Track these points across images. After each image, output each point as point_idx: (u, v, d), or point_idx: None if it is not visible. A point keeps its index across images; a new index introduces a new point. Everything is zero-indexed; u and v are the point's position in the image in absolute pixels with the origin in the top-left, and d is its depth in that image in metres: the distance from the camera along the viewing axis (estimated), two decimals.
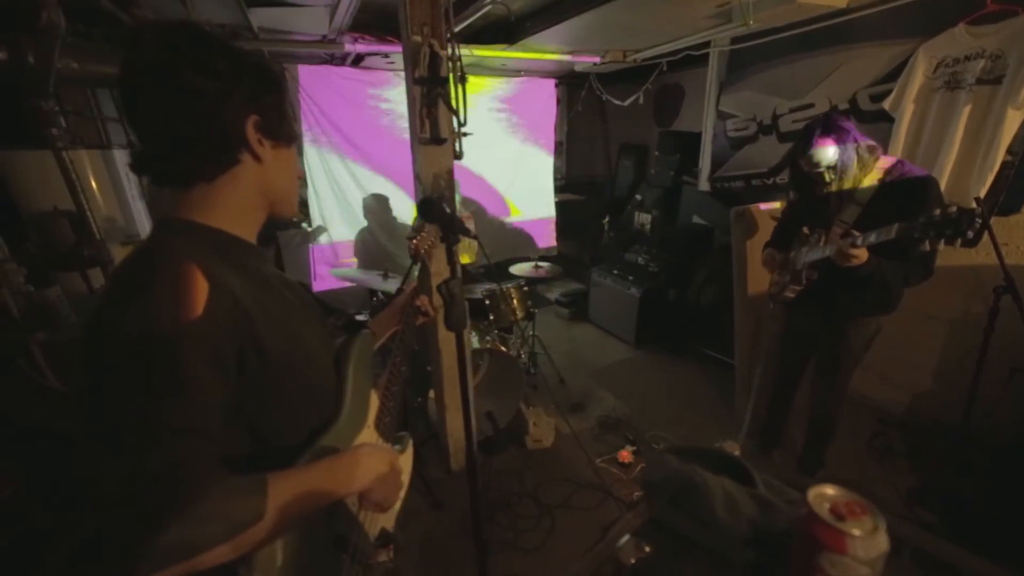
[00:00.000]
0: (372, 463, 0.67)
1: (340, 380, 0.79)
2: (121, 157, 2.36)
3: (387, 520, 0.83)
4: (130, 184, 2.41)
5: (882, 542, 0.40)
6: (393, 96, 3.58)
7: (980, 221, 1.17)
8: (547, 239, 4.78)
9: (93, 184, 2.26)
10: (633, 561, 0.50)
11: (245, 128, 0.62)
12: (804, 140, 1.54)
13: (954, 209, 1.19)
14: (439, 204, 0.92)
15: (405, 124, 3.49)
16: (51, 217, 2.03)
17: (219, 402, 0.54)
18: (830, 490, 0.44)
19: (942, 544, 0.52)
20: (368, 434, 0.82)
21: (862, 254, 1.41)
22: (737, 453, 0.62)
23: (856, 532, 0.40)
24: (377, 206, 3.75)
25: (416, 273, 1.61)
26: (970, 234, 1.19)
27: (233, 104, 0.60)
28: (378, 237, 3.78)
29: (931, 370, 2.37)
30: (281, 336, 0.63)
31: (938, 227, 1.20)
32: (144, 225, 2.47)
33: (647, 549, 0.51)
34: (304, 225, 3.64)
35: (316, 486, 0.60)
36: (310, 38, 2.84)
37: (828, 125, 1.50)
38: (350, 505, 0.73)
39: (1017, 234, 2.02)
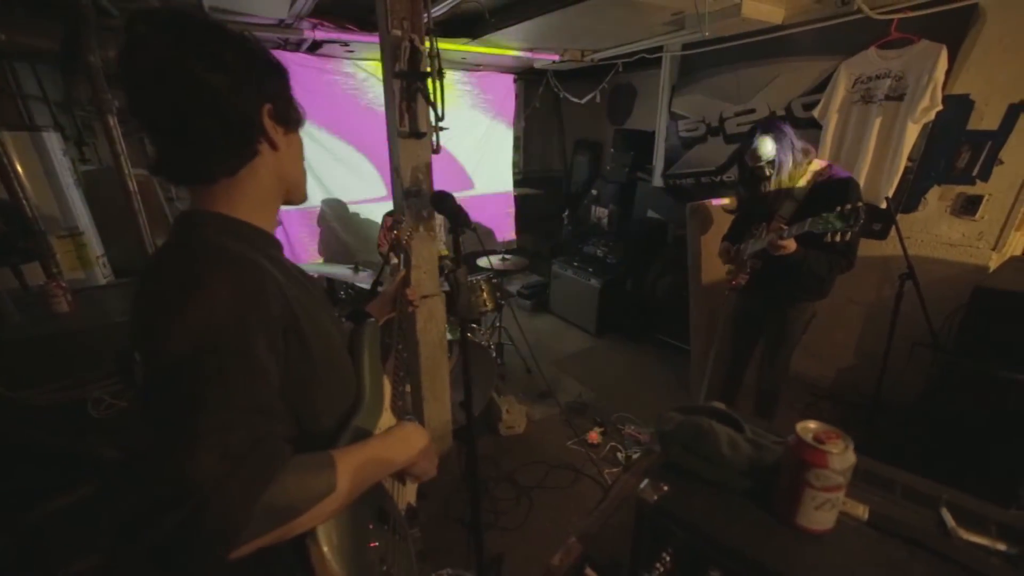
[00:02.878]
0: (416, 438, 0.74)
1: (357, 366, 0.82)
2: (53, 141, 2.14)
3: (410, 496, 0.88)
4: (64, 171, 2.19)
5: (851, 456, 0.53)
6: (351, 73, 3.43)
7: (863, 220, 1.42)
8: (507, 232, 4.86)
9: (20, 169, 2.04)
10: (656, 498, 0.60)
11: (262, 118, 0.63)
12: (749, 139, 1.74)
13: (848, 207, 1.43)
14: (450, 197, 0.97)
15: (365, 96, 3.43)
16: None
17: (277, 384, 0.57)
18: (812, 424, 0.57)
19: (882, 466, 0.68)
20: (388, 417, 0.86)
21: (790, 244, 1.63)
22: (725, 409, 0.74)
23: (834, 450, 0.53)
24: (335, 205, 3.66)
25: (394, 263, 1.63)
26: (856, 228, 1.45)
27: (246, 95, 0.61)
28: (339, 235, 3.70)
29: (852, 348, 2.73)
30: (312, 323, 0.65)
31: (834, 223, 1.45)
32: (82, 216, 2.25)
33: (665, 488, 0.61)
34: None
35: (376, 457, 0.65)
36: (265, 22, 2.70)
37: (768, 126, 1.71)
38: (383, 482, 0.78)
39: (917, 228, 2.38)
